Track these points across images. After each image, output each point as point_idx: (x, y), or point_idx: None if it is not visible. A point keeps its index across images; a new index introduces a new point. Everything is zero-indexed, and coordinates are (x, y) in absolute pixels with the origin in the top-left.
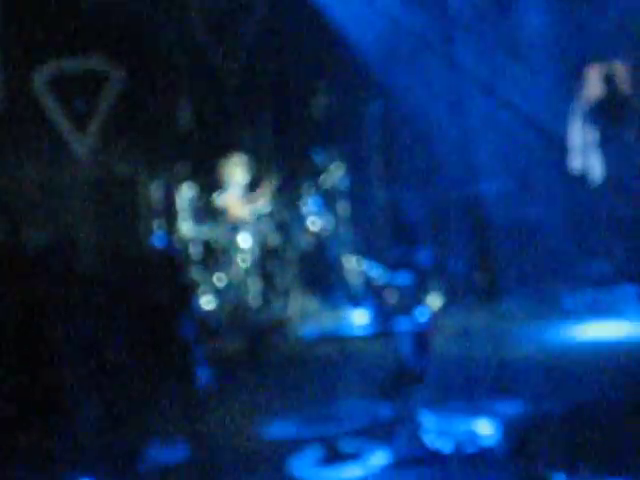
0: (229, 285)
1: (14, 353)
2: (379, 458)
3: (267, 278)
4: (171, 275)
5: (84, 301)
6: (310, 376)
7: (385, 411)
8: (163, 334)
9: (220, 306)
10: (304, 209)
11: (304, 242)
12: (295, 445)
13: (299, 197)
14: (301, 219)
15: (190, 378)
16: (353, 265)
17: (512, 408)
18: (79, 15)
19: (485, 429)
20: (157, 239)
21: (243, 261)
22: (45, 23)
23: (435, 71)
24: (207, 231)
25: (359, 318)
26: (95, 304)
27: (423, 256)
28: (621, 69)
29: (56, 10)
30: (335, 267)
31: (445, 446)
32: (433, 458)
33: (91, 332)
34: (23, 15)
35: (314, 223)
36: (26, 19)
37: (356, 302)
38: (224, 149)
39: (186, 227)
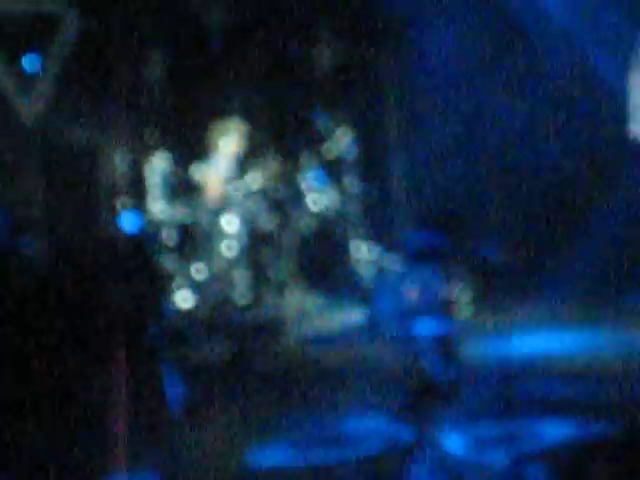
0: (211, 278)
1: None
2: None
3: (258, 269)
4: (139, 266)
5: (26, 299)
6: (309, 389)
7: (404, 434)
8: (124, 341)
9: (199, 304)
10: (304, 185)
11: (303, 225)
12: (289, 476)
13: (298, 170)
14: (300, 197)
15: (159, 395)
16: (363, 253)
17: (561, 431)
18: None
19: (526, 457)
20: (124, 221)
21: (228, 249)
22: None
23: (469, 15)
24: (184, 212)
25: (370, 319)
26: (40, 302)
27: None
28: None
29: None
30: (341, 256)
31: (472, 470)
32: None
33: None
34: None
35: (316, 202)
36: None
37: (367, 299)
38: (206, 112)
39: (158, 207)
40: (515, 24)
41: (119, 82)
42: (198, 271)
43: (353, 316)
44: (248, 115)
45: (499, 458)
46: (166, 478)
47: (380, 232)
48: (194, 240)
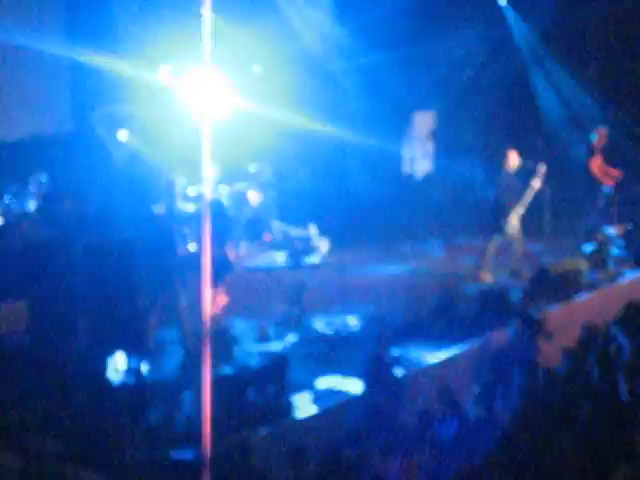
0: None
1: None
2: (292, 338)
3: None
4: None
5: None
6: (254, 291)
7: (292, 311)
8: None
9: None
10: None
11: (248, 213)
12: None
13: (246, 188)
14: (246, 199)
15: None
16: (276, 225)
17: (369, 311)
18: None
19: (353, 322)
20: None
21: None
22: None
23: None
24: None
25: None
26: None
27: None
28: None
29: None
30: (267, 227)
31: (329, 331)
32: (321, 338)
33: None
34: None
35: (255, 201)
36: None
37: (279, 248)
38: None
39: (180, 204)
40: None
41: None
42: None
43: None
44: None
45: (338, 321)
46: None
47: (283, 216)
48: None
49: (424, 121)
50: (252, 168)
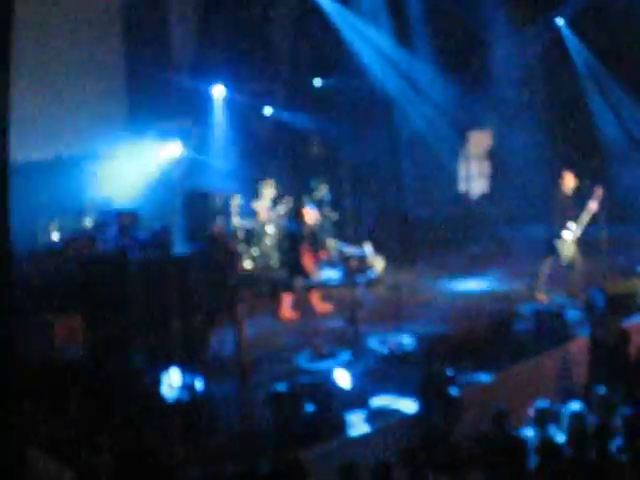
0: (260, 255)
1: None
2: (346, 356)
3: (282, 251)
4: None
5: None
6: (310, 308)
7: (346, 329)
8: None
9: (254, 267)
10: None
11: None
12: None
13: (301, 204)
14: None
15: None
16: (332, 244)
17: (423, 329)
18: None
19: (407, 341)
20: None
21: (268, 241)
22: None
23: None
24: (249, 223)
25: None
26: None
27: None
28: None
29: None
30: (322, 245)
31: (383, 349)
32: (375, 356)
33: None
34: None
35: (309, 219)
36: None
37: (334, 265)
38: (257, 177)
39: (237, 220)
40: None
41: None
42: (255, 251)
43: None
44: (277, 178)
45: (393, 340)
46: None
47: (340, 234)
48: (253, 237)
49: (480, 140)
50: (312, 186)
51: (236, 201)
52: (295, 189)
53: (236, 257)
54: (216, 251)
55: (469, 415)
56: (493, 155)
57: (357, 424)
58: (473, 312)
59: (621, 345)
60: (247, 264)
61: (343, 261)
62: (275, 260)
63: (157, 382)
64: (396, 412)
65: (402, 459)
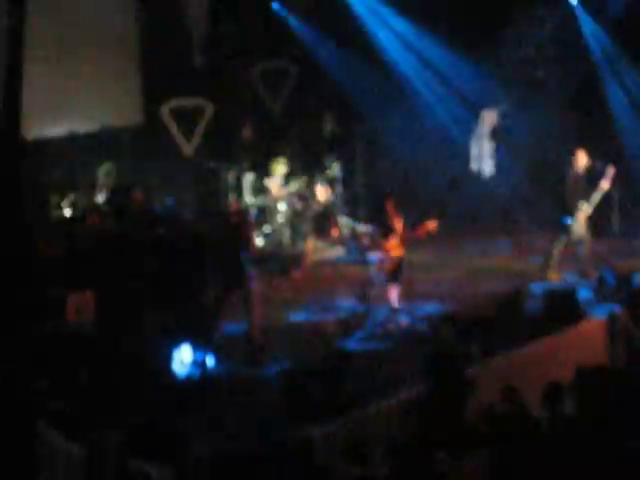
0: (272, 232)
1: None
2: (357, 334)
3: (293, 228)
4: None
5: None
6: (316, 283)
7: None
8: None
9: (266, 244)
10: (316, 188)
11: (315, 208)
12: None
13: (313, 182)
14: (313, 194)
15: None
16: (343, 222)
17: (435, 308)
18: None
19: (418, 318)
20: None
21: (280, 218)
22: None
23: None
24: (260, 201)
25: (346, 252)
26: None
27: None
28: None
29: None
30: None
31: (394, 327)
32: (386, 334)
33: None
34: None
35: (321, 197)
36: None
37: (344, 243)
38: (271, 154)
39: (248, 198)
40: None
41: (229, 137)
42: (266, 229)
43: (339, 251)
44: (290, 156)
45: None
46: None
47: (350, 212)
48: (264, 214)
49: (490, 118)
50: (324, 163)
51: (249, 177)
52: (307, 167)
53: (252, 234)
54: (233, 227)
55: (480, 394)
56: (506, 133)
57: (367, 402)
58: (485, 291)
59: None
60: (258, 241)
61: (355, 239)
62: (286, 237)
63: (168, 359)
64: (407, 390)
65: (413, 439)
